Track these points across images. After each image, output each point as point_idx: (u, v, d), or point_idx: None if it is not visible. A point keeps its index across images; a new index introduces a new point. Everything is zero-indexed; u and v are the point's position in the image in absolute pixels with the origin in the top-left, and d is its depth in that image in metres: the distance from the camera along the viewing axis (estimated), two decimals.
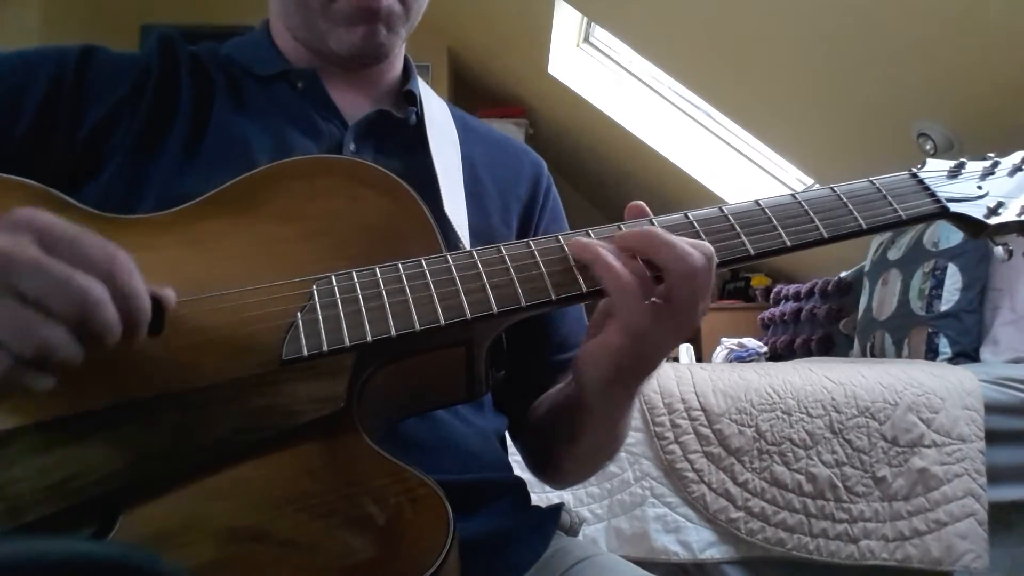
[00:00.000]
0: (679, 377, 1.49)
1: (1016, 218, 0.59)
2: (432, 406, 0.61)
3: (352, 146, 0.69)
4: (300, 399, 0.48)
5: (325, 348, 0.48)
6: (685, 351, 3.58)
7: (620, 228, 0.54)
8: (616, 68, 3.89)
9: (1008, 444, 1.49)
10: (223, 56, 0.73)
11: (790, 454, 1.42)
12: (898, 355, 2.21)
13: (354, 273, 0.51)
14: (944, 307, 2.08)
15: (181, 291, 0.48)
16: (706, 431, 1.43)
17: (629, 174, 4.63)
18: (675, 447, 1.42)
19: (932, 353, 2.06)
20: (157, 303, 0.45)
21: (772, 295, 3.38)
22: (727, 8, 2.64)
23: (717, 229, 0.55)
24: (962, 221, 0.60)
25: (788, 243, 0.55)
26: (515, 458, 0.75)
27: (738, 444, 1.42)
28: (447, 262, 0.52)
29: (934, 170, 0.62)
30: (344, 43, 0.70)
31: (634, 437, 1.44)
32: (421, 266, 0.52)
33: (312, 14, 0.70)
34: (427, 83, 0.82)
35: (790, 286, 3.21)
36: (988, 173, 0.62)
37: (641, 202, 0.56)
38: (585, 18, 3.65)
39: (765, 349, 3.07)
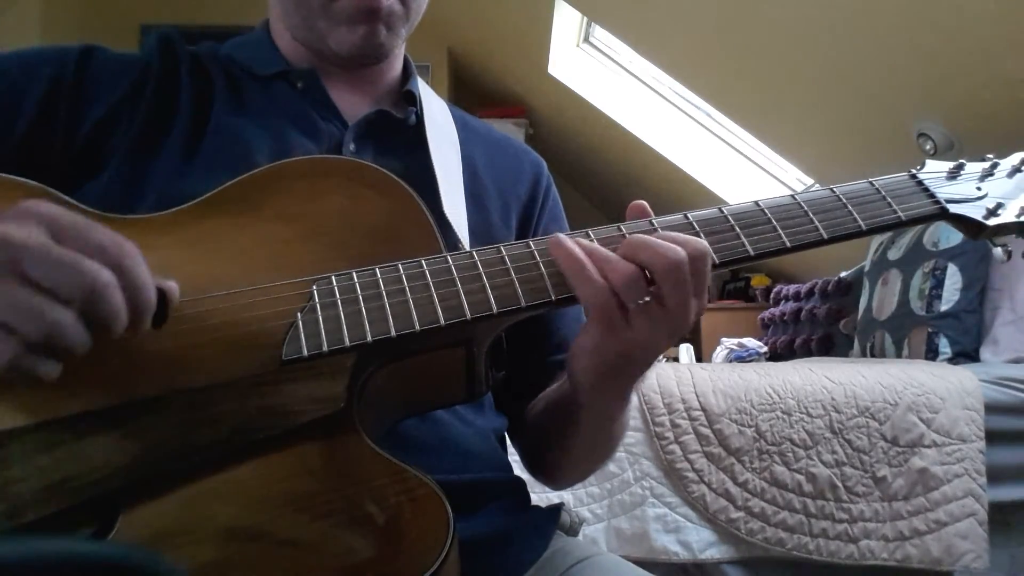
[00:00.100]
0: (679, 377, 1.49)
1: (1015, 219, 0.60)
2: (432, 406, 0.61)
3: (352, 146, 0.69)
4: (300, 399, 0.48)
5: (325, 348, 0.48)
6: (685, 351, 3.58)
7: (620, 228, 0.54)
8: (616, 68, 3.89)
9: (1008, 444, 1.49)
10: (223, 56, 0.73)
11: (790, 454, 1.42)
12: (898, 355, 2.21)
13: (354, 273, 0.51)
14: (944, 307, 2.08)
15: (181, 291, 0.48)
16: (706, 431, 1.43)
17: (629, 174, 4.63)
18: (675, 447, 1.42)
19: (932, 353, 2.06)
20: (161, 295, 0.45)
21: (772, 295, 3.38)
22: (727, 8, 2.64)
23: (717, 229, 0.55)
24: (961, 222, 0.60)
25: (788, 244, 0.55)
26: (515, 458, 0.75)
27: (738, 444, 1.42)
28: (447, 262, 0.52)
29: (933, 171, 0.62)
30: (344, 43, 0.70)
31: (634, 437, 1.44)
32: (421, 266, 0.52)
33: (312, 14, 0.70)
34: (427, 83, 0.82)
35: (790, 286, 3.21)
36: (987, 174, 0.62)
37: (643, 201, 0.56)
38: (585, 18, 3.65)
39: (765, 349, 3.07)
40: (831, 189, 0.58)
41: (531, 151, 0.85)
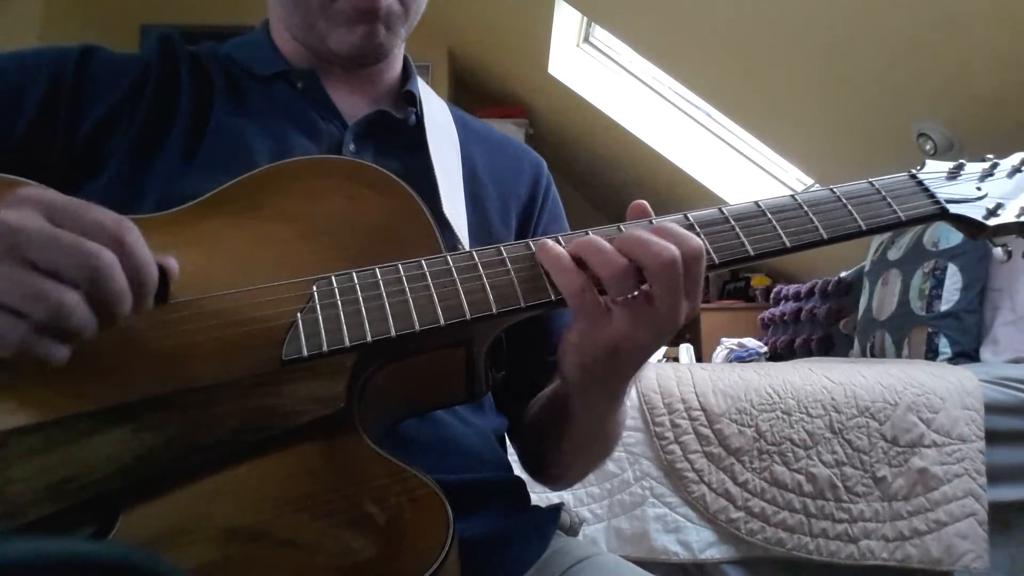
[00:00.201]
0: (679, 377, 1.49)
1: (1015, 219, 0.60)
2: (432, 406, 0.61)
3: (352, 146, 0.69)
4: (300, 399, 0.48)
5: (325, 348, 0.48)
6: (685, 351, 3.58)
7: (620, 229, 0.54)
8: (616, 68, 3.89)
9: (1008, 444, 1.49)
10: (223, 56, 0.73)
11: (790, 454, 1.42)
12: (898, 355, 2.21)
13: (354, 273, 0.51)
14: (944, 307, 2.08)
15: (181, 291, 0.48)
16: (706, 431, 1.43)
17: (629, 174, 4.63)
18: (675, 447, 1.42)
19: (932, 353, 2.06)
20: (162, 272, 0.45)
21: (772, 295, 3.38)
22: (728, 8, 2.64)
23: (717, 230, 0.55)
24: (961, 222, 0.60)
25: (788, 244, 0.55)
26: (515, 458, 0.75)
27: (738, 444, 1.42)
28: (447, 263, 0.52)
29: (933, 171, 0.62)
30: (344, 43, 0.70)
31: (634, 437, 1.44)
32: (421, 266, 0.52)
33: (311, 14, 0.70)
34: (427, 83, 0.82)
35: (790, 286, 3.21)
36: (987, 175, 0.62)
37: (643, 201, 0.55)
38: (585, 18, 3.65)
39: (765, 349, 3.07)
40: (831, 189, 0.58)
41: (531, 151, 0.85)
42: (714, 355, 3.25)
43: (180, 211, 0.55)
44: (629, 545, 1.39)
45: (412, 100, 0.75)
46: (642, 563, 0.76)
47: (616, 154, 4.45)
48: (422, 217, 0.56)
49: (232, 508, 0.45)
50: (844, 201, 0.58)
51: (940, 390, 1.48)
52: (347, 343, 0.48)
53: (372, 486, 0.47)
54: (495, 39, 4.31)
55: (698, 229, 0.55)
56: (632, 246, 0.49)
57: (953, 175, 0.62)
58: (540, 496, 0.95)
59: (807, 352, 2.86)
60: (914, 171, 0.62)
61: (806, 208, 0.57)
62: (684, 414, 1.44)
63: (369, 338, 0.49)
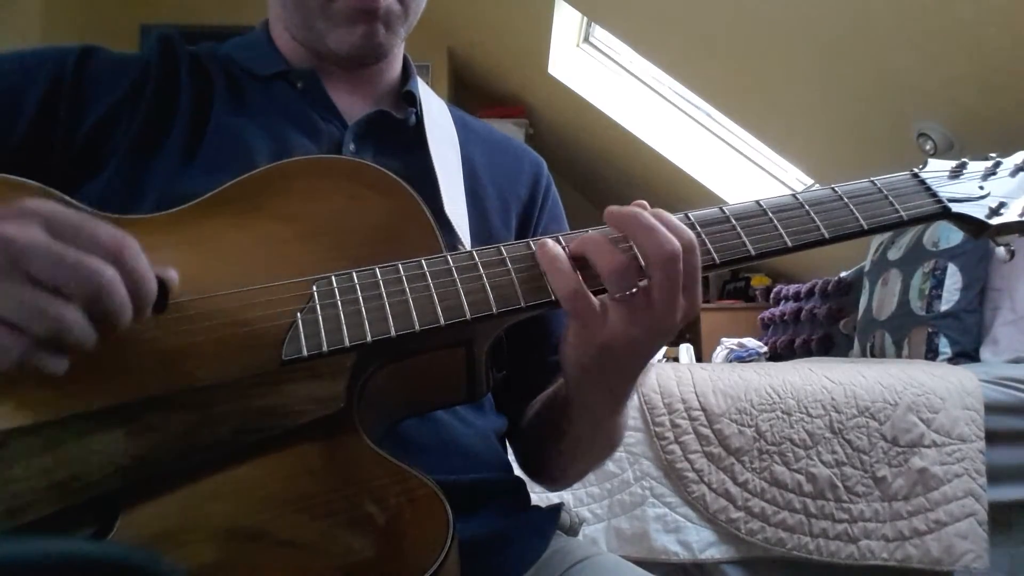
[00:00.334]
0: (679, 377, 1.49)
1: (1018, 218, 0.59)
2: (432, 407, 0.61)
3: (352, 146, 0.69)
4: (300, 399, 0.48)
5: (325, 348, 0.48)
6: (685, 351, 3.58)
7: None
8: (616, 68, 3.89)
9: (1008, 444, 1.49)
10: (223, 56, 0.73)
11: (790, 454, 1.42)
12: (898, 355, 2.21)
13: (354, 273, 0.51)
14: (944, 307, 2.08)
15: (181, 291, 0.48)
16: (706, 431, 1.43)
17: (629, 174, 4.63)
18: (675, 447, 1.42)
19: (932, 353, 2.06)
20: (161, 283, 0.45)
21: (772, 295, 3.38)
22: (728, 8, 2.64)
23: (718, 229, 0.55)
24: (964, 221, 0.60)
25: (789, 243, 0.55)
26: (515, 458, 0.75)
27: (738, 444, 1.42)
28: (447, 262, 0.52)
29: (935, 170, 0.62)
30: (343, 43, 0.70)
31: (634, 437, 1.44)
32: (421, 266, 0.52)
33: (311, 14, 0.70)
34: (427, 83, 0.82)
35: (790, 286, 3.21)
36: (990, 173, 0.62)
37: (643, 202, 0.55)
38: (585, 18, 3.65)
39: (765, 349, 3.07)
40: (832, 188, 0.58)
41: (531, 151, 0.85)
42: (714, 355, 3.25)
43: (180, 211, 0.55)
44: (629, 545, 1.38)
45: (412, 100, 0.75)
46: (642, 563, 0.76)
47: (616, 154, 4.45)
48: (422, 217, 0.56)
49: (232, 508, 0.45)
50: (846, 200, 0.57)
51: (940, 390, 1.48)
52: (347, 343, 0.48)
53: (372, 486, 0.47)
54: (495, 39, 4.31)
55: (699, 228, 0.54)
56: (637, 229, 0.49)
57: (955, 174, 0.61)
58: (540, 496, 0.95)
59: (807, 352, 2.86)
60: (916, 170, 0.61)
61: (807, 207, 0.57)
62: (684, 414, 1.44)
63: (369, 338, 0.49)
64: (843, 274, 2.94)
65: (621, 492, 1.41)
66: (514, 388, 0.74)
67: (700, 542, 1.39)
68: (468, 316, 0.50)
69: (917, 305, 2.17)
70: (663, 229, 0.49)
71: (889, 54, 2.33)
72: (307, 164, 0.58)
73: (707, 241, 0.54)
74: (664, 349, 3.52)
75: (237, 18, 2.40)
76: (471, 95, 4.64)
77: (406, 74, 0.80)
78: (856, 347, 2.52)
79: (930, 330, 2.08)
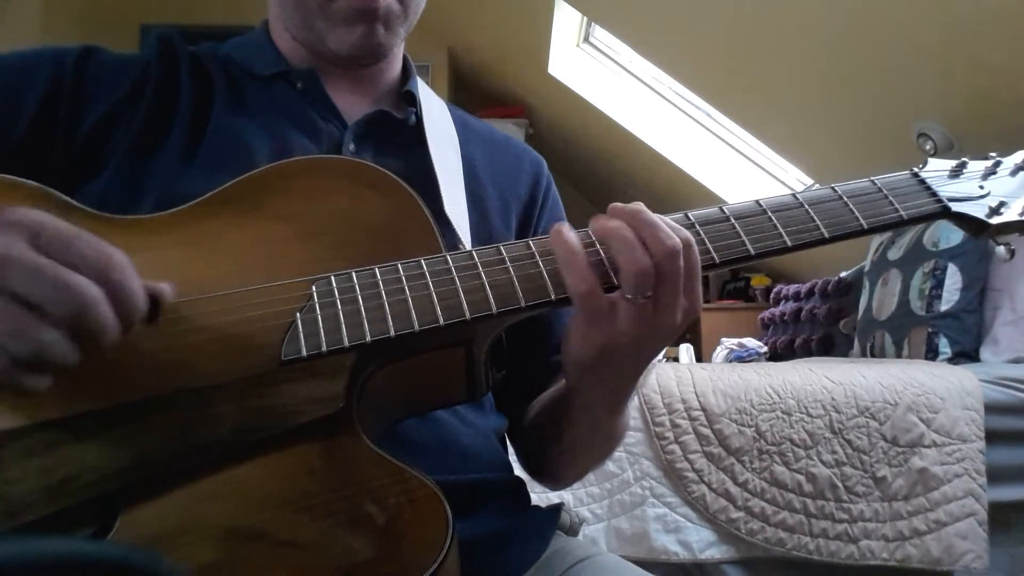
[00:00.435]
0: (679, 377, 1.49)
1: (1018, 218, 0.59)
2: (432, 407, 0.61)
3: (351, 146, 0.69)
4: (299, 399, 0.48)
5: (324, 348, 0.48)
6: (685, 351, 3.58)
7: None
8: (616, 68, 3.89)
9: (1008, 444, 1.49)
10: (223, 56, 0.73)
11: (790, 454, 1.42)
12: (898, 355, 2.21)
13: (353, 273, 0.51)
14: (944, 307, 2.08)
15: (180, 291, 0.47)
16: (706, 431, 1.43)
17: (629, 174, 4.63)
18: (675, 447, 1.42)
19: (932, 353, 2.06)
20: (153, 297, 0.45)
21: (772, 295, 3.38)
22: (727, 9, 2.64)
23: (717, 228, 0.55)
24: (964, 221, 0.60)
25: (789, 243, 0.55)
26: (515, 458, 0.75)
27: (738, 444, 1.42)
28: (447, 262, 0.52)
29: (936, 170, 0.61)
30: (343, 43, 0.70)
31: (634, 437, 1.44)
32: (420, 266, 0.52)
33: (310, 14, 0.70)
34: (427, 83, 0.82)
35: (790, 286, 3.21)
36: (990, 173, 0.62)
37: (640, 204, 0.55)
38: (585, 18, 3.65)
39: (765, 349, 3.07)
40: (832, 188, 0.58)
41: (531, 150, 0.85)
42: (714, 355, 3.25)
43: (180, 211, 0.55)
44: (629, 545, 1.38)
45: (412, 100, 0.75)
46: (642, 563, 0.76)
47: (616, 154, 4.45)
48: (422, 217, 0.56)
49: (232, 508, 0.45)
50: (846, 200, 0.57)
51: (940, 390, 1.48)
52: (346, 343, 0.48)
53: (372, 486, 0.47)
54: (495, 39, 4.31)
55: (698, 228, 0.54)
56: (643, 226, 0.49)
57: (956, 173, 0.61)
58: (540, 496, 0.95)
59: (807, 352, 2.86)
60: (916, 169, 0.61)
61: (807, 207, 0.56)
62: (684, 414, 1.44)
63: (368, 338, 0.49)
64: (843, 274, 2.94)
65: (621, 492, 1.41)
66: (515, 388, 0.74)
67: (700, 542, 1.39)
68: (468, 316, 0.50)
69: (917, 305, 2.17)
70: (664, 226, 0.49)
71: (889, 54, 2.33)
72: (307, 164, 0.58)
73: (706, 240, 0.54)
74: (664, 349, 3.51)
75: (237, 18, 2.40)
76: (471, 95, 4.64)
77: (406, 74, 0.80)
78: (856, 347, 2.52)
79: (930, 330, 2.08)
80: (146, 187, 0.61)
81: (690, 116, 3.80)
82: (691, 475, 1.41)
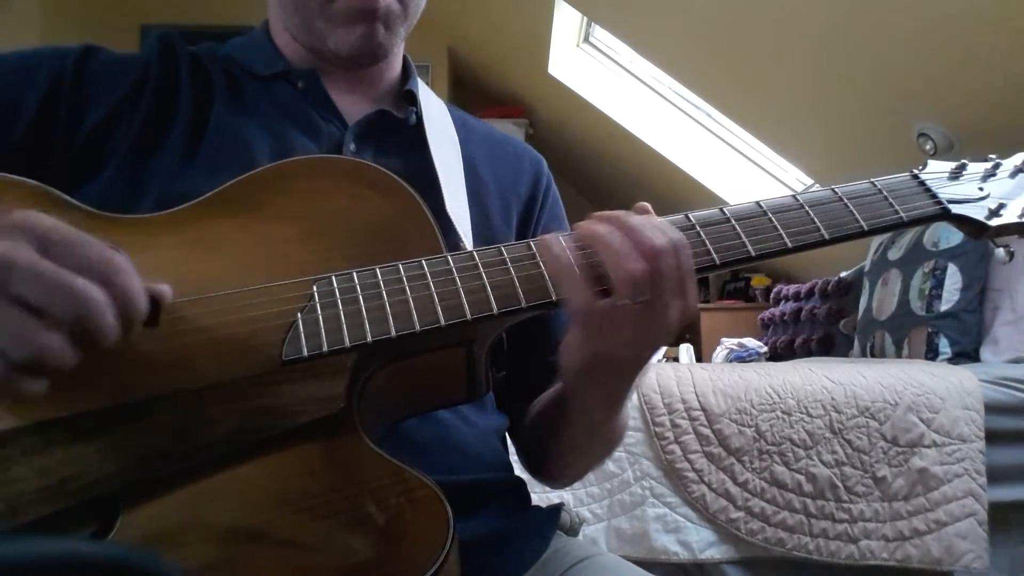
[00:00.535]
0: (679, 377, 1.49)
1: (1017, 219, 0.59)
2: (432, 407, 0.61)
3: (352, 146, 0.69)
4: (300, 399, 0.48)
5: (325, 348, 0.48)
6: (685, 351, 3.58)
7: None
8: (616, 68, 3.89)
9: (1008, 444, 1.49)
10: (223, 56, 0.73)
11: (790, 454, 1.42)
12: (898, 355, 2.21)
13: (354, 273, 0.51)
14: (944, 307, 2.08)
15: (181, 291, 0.47)
16: (706, 431, 1.43)
17: (629, 174, 4.63)
18: (675, 447, 1.42)
19: (932, 353, 2.06)
20: (153, 299, 0.45)
21: (772, 295, 3.38)
22: (727, 9, 2.64)
23: (718, 230, 0.55)
24: (963, 223, 0.60)
25: (789, 245, 0.55)
26: (515, 458, 0.75)
27: (738, 444, 1.42)
28: (448, 263, 0.52)
29: (935, 171, 0.62)
30: (343, 43, 0.70)
31: (634, 437, 1.44)
32: (422, 267, 0.52)
33: (310, 14, 0.70)
34: (427, 83, 0.82)
35: (790, 286, 3.21)
36: (989, 175, 0.62)
37: (646, 203, 0.55)
38: (585, 18, 3.65)
39: (765, 349, 3.07)
40: (832, 189, 0.58)
41: (531, 149, 0.85)
42: (714, 355, 3.25)
43: (180, 211, 0.55)
44: (629, 545, 1.39)
45: (412, 100, 0.75)
46: (642, 563, 0.76)
47: (616, 154, 4.45)
48: (423, 217, 0.56)
49: (232, 508, 0.45)
50: (846, 201, 0.57)
51: (940, 390, 1.48)
52: (347, 343, 0.48)
53: (372, 487, 0.47)
54: (495, 39, 4.31)
55: (699, 229, 0.54)
56: (629, 231, 0.48)
57: (955, 175, 0.61)
58: (540, 496, 0.95)
59: (807, 352, 2.86)
60: (916, 171, 0.61)
61: (807, 208, 0.57)
62: (684, 414, 1.44)
63: (369, 338, 0.49)
64: (843, 274, 2.94)
65: (621, 492, 1.41)
66: (515, 388, 0.74)
67: (700, 542, 1.39)
68: (469, 316, 0.50)
69: (917, 305, 2.17)
70: (650, 227, 0.49)
71: (889, 54, 2.33)
72: (307, 164, 0.58)
73: (707, 241, 0.54)
74: (664, 349, 3.52)
75: (237, 18, 2.40)
76: (471, 95, 4.64)
77: (406, 74, 0.80)
78: (856, 347, 2.52)
79: (930, 330, 2.08)
80: (146, 187, 0.61)
81: (690, 116, 3.80)
82: (691, 475, 1.41)
